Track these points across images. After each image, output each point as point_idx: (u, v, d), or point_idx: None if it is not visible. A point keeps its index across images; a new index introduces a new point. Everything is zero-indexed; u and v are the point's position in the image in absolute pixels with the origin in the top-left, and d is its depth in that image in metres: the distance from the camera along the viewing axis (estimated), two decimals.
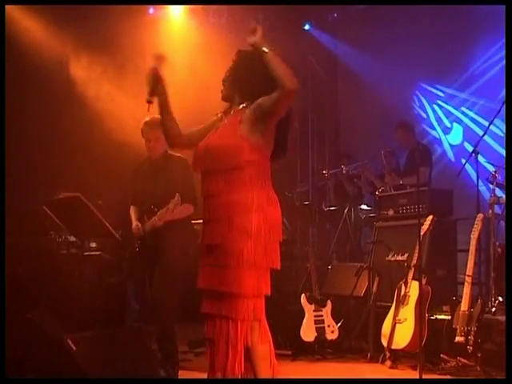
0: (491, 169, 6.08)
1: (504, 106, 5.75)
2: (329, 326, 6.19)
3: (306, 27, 10.08)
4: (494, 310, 5.59)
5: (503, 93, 6.54)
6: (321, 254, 8.20)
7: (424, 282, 5.41)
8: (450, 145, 8.88)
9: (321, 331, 6.15)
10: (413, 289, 5.62)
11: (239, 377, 3.45)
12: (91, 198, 5.96)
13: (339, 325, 6.26)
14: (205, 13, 9.31)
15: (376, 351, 5.85)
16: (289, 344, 6.24)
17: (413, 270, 5.69)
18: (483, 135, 6.26)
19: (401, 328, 5.61)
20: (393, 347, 5.64)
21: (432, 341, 5.43)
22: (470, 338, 5.22)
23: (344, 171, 8.27)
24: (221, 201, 3.51)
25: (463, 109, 8.66)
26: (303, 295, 6.25)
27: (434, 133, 9.09)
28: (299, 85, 3.44)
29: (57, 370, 4.22)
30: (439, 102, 9.01)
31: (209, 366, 3.56)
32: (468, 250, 5.55)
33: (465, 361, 5.20)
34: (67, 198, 5.89)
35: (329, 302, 6.28)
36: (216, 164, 3.52)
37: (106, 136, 8.00)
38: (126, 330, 5.50)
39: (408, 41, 8.92)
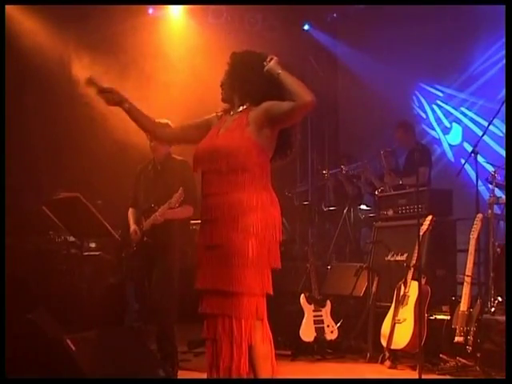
0: (490, 169, 6.09)
1: (504, 105, 5.76)
2: (328, 326, 6.20)
3: (306, 27, 10.08)
4: (493, 310, 5.60)
5: (503, 93, 6.55)
6: (320, 254, 8.20)
7: (423, 282, 5.41)
8: (450, 145, 8.88)
9: (320, 331, 6.16)
10: (412, 289, 5.63)
11: (245, 376, 3.45)
12: (91, 198, 5.96)
13: (338, 325, 6.27)
14: (204, 13, 9.31)
15: (375, 351, 5.86)
16: (288, 344, 6.25)
17: (412, 270, 5.69)
18: (482, 135, 6.26)
19: (400, 328, 5.62)
20: (392, 347, 5.65)
21: (431, 341, 5.43)
22: (470, 338, 5.23)
23: (344, 171, 8.28)
24: (224, 201, 3.51)
25: (462, 109, 8.67)
26: (302, 295, 6.25)
27: (433, 133, 9.09)
28: (315, 97, 3.50)
29: (56, 370, 4.22)
30: (438, 102, 9.02)
31: (208, 366, 3.56)
32: (467, 250, 5.55)
33: (464, 361, 5.20)
34: (67, 198, 5.89)
35: (328, 302, 6.29)
36: (223, 165, 3.52)
37: (106, 136, 7.99)
38: (125, 330, 5.52)
39: (407, 41, 8.93)
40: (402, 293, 5.72)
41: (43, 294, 6.26)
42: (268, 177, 3.61)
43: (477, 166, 6.10)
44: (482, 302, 5.40)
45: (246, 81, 3.65)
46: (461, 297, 5.43)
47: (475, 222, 5.61)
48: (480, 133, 6.83)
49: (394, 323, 5.67)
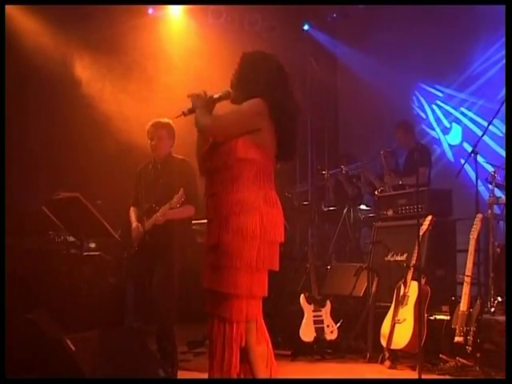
0: (490, 169, 6.09)
1: (503, 105, 5.76)
2: (328, 326, 6.20)
3: (306, 27, 10.08)
4: (493, 310, 5.61)
5: (502, 93, 6.56)
6: (320, 254, 8.20)
7: (423, 282, 5.41)
8: (449, 145, 8.88)
9: (320, 331, 6.16)
10: (412, 289, 5.63)
11: (235, 377, 3.46)
12: (90, 198, 5.96)
13: (338, 325, 6.27)
14: (204, 13, 9.31)
15: (375, 351, 5.86)
16: (288, 344, 6.25)
17: (412, 270, 5.69)
18: (482, 135, 6.26)
19: (400, 328, 5.62)
20: (392, 347, 5.65)
21: (431, 341, 5.44)
22: (469, 338, 5.23)
23: (343, 171, 8.28)
24: (218, 201, 3.54)
25: (462, 109, 8.66)
26: (302, 295, 6.25)
27: (433, 133, 9.09)
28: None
29: (56, 370, 4.23)
30: (438, 103, 9.02)
31: (208, 366, 3.57)
32: (467, 250, 5.55)
33: (464, 361, 5.20)
34: (66, 198, 5.89)
35: (328, 302, 6.29)
36: (213, 163, 3.57)
37: (108, 137, 7.99)
38: (125, 330, 5.51)
39: (407, 41, 8.93)
40: (401, 293, 5.72)
41: (43, 293, 6.25)
42: (266, 175, 3.58)
43: (477, 166, 6.10)
44: (482, 302, 5.40)
45: (250, 81, 3.65)
46: (461, 297, 5.43)
47: (475, 222, 5.61)
48: (480, 133, 6.83)
49: (394, 323, 5.67)
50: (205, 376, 3.64)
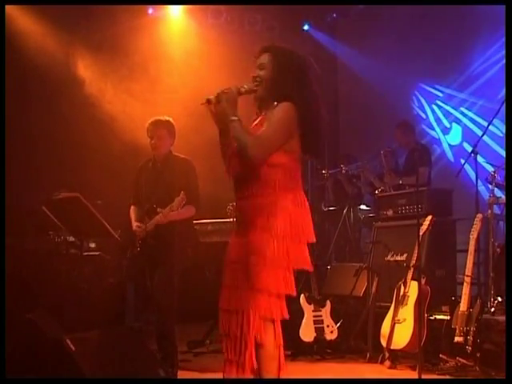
0: (490, 169, 6.09)
1: (503, 105, 5.76)
2: (328, 326, 6.20)
3: (305, 27, 10.08)
4: (493, 310, 5.60)
5: (503, 93, 6.55)
6: (320, 254, 8.19)
7: (423, 282, 5.41)
8: (449, 145, 8.88)
9: (320, 331, 6.16)
10: (412, 289, 5.63)
11: (249, 372, 3.47)
12: (90, 198, 5.96)
13: (338, 325, 6.27)
14: (203, 13, 9.31)
15: (375, 351, 5.86)
16: (288, 344, 6.20)
17: (412, 270, 5.69)
18: (482, 135, 6.26)
19: (400, 328, 5.62)
20: (392, 347, 5.65)
21: (431, 341, 5.44)
22: (469, 338, 5.23)
23: (343, 171, 8.27)
24: (247, 204, 3.58)
25: (462, 109, 8.66)
26: (302, 295, 6.25)
27: (433, 133, 9.09)
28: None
29: (56, 370, 4.23)
30: (438, 103, 9.02)
31: (224, 361, 3.58)
32: (467, 250, 5.55)
33: (464, 361, 5.20)
34: (66, 198, 5.90)
35: (328, 302, 6.29)
36: (242, 168, 3.58)
37: (113, 137, 7.99)
38: (125, 330, 5.51)
39: (407, 41, 8.93)
40: (401, 293, 5.72)
41: (43, 294, 6.26)
42: (294, 178, 3.61)
43: (476, 165, 6.10)
44: (482, 302, 5.40)
45: (279, 80, 3.62)
46: (460, 297, 5.43)
47: (475, 222, 5.61)
48: (480, 133, 6.83)
49: (394, 323, 5.67)
50: (205, 376, 3.65)
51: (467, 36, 8.36)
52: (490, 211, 5.96)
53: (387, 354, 5.68)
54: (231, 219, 6.88)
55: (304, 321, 6.16)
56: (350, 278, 6.66)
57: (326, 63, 10.13)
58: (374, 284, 6.33)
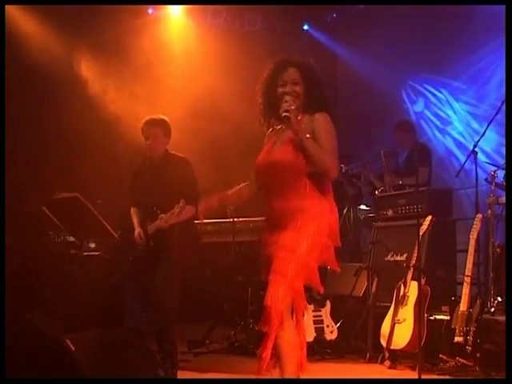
0: (490, 169, 6.09)
1: (503, 105, 5.76)
2: (328, 326, 6.20)
3: (305, 27, 10.08)
4: (493, 310, 5.60)
5: (503, 92, 6.55)
6: None
7: (423, 282, 5.41)
8: (449, 144, 8.87)
9: (320, 331, 6.16)
10: (412, 289, 5.63)
11: (265, 362, 3.56)
12: (90, 198, 5.96)
13: (338, 325, 6.27)
14: (203, 13, 9.31)
15: (375, 351, 5.86)
16: None
17: (412, 270, 5.69)
18: (482, 135, 6.26)
19: (400, 328, 5.62)
20: (392, 347, 5.65)
21: (431, 341, 5.43)
22: (469, 338, 5.23)
23: (343, 171, 8.27)
24: (285, 209, 3.68)
25: (462, 109, 8.66)
26: None
27: (432, 132, 9.08)
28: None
29: (56, 370, 4.22)
30: (438, 104, 9.01)
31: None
32: (467, 251, 5.55)
33: (464, 361, 5.20)
34: (66, 198, 5.89)
35: (328, 302, 6.29)
36: (277, 176, 3.71)
37: (118, 137, 7.99)
38: (125, 330, 5.51)
39: (408, 41, 8.92)
40: (401, 293, 5.72)
41: (43, 294, 6.26)
42: (324, 185, 3.74)
43: (476, 166, 6.11)
44: (482, 302, 5.40)
45: (316, 96, 3.79)
46: (460, 297, 5.44)
47: (475, 222, 5.61)
48: (480, 133, 6.82)
49: (394, 323, 5.67)
50: (205, 376, 3.65)
51: (468, 35, 8.34)
52: (489, 211, 5.96)
53: (387, 354, 5.68)
54: (231, 219, 6.91)
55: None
56: (350, 278, 6.65)
57: (325, 63, 10.14)
58: (374, 284, 6.33)
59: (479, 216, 5.65)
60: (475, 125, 8.37)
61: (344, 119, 10.37)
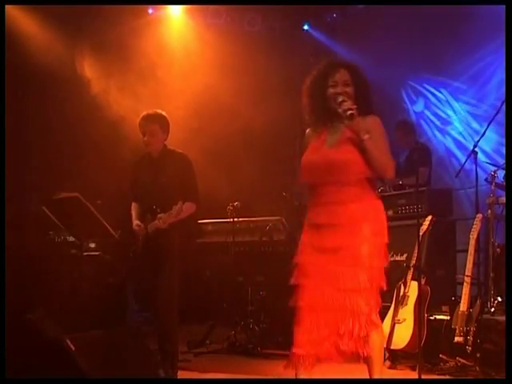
0: (490, 169, 6.09)
1: (503, 105, 5.76)
2: None
3: (305, 27, 10.08)
4: (493, 310, 5.60)
5: (503, 92, 6.55)
6: None
7: (423, 282, 5.41)
8: (449, 143, 8.87)
9: None
10: (412, 289, 5.63)
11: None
12: (90, 198, 5.96)
13: None
14: (203, 13, 9.31)
15: None
16: (288, 344, 6.22)
17: (412, 270, 5.70)
18: (482, 135, 6.26)
19: (400, 328, 5.62)
20: (392, 347, 5.65)
21: (431, 341, 5.43)
22: (469, 338, 5.23)
23: None
24: (342, 208, 3.72)
25: (462, 109, 8.66)
26: None
27: (432, 132, 9.08)
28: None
29: (56, 370, 4.23)
30: (438, 103, 9.01)
31: None
32: (467, 251, 5.55)
33: (464, 361, 5.20)
34: (66, 198, 5.88)
35: None
36: (342, 176, 3.72)
37: (121, 137, 7.99)
38: (125, 330, 5.51)
39: (408, 40, 8.92)
40: (401, 293, 5.72)
41: (43, 293, 6.26)
42: (375, 186, 3.90)
43: (476, 166, 6.10)
44: (482, 302, 5.41)
45: (366, 98, 3.90)
46: (460, 297, 5.44)
47: (475, 222, 5.61)
48: (480, 133, 6.82)
49: (394, 323, 5.67)
50: (205, 376, 3.64)
51: (468, 35, 8.33)
52: (489, 211, 5.96)
53: (387, 354, 5.68)
54: (231, 219, 6.90)
55: None
56: None
57: None
58: None
59: (479, 216, 5.65)
60: (475, 125, 8.36)
61: None
